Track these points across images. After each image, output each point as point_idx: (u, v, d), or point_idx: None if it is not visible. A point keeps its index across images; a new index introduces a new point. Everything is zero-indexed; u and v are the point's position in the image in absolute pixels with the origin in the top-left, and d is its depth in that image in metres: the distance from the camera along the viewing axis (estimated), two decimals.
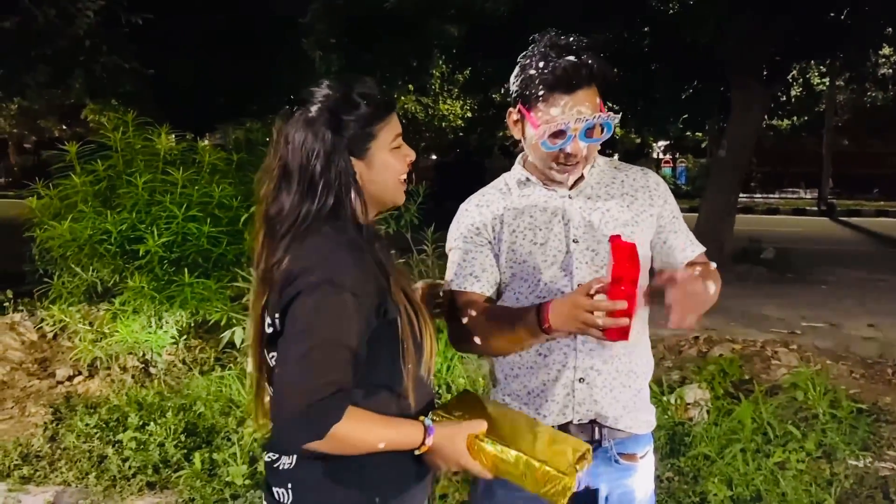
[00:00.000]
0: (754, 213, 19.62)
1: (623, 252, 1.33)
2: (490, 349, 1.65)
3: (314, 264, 1.29)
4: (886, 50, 15.57)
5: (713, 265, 1.62)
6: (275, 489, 1.40)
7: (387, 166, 1.41)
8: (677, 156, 28.18)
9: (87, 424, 3.73)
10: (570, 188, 1.64)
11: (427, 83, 16.78)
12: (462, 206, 1.73)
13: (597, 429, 1.62)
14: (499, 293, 1.69)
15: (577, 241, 1.60)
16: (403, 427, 1.35)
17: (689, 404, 3.99)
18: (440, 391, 4.12)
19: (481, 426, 1.37)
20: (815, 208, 20.10)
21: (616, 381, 1.61)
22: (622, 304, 1.32)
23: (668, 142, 26.59)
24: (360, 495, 1.37)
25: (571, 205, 1.63)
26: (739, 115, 9.51)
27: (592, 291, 1.35)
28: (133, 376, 4.61)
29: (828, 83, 19.89)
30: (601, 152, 1.75)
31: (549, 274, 1.61)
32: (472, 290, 1.64)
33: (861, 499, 3.19)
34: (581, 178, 1.65)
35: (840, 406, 3.90)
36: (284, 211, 1.36)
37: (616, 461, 1.64)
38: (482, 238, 1.67)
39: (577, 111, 1.50)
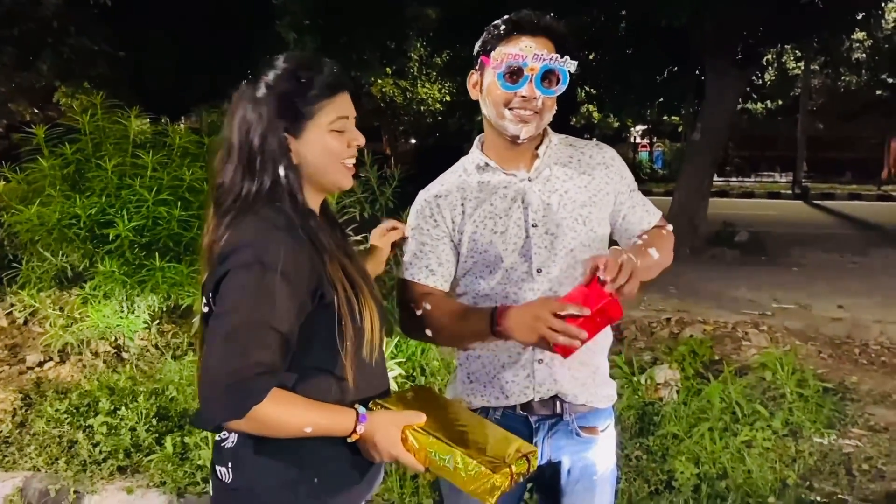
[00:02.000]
0: (729, 196, 19.85)
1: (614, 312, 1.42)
2: (440, 341, 1.71)
3: (246, 244, 1.28)
4: (860, 34, 15.77)
5: (667, 228, 1.70)
6: (217, 467, 1.40)
7: (323, 147, 1.39)
8: (654, 140, 28.36)
9: (57, 410, 3.70)
10: (529, 171, 1.65)
11: (404, 66, 16.66)
12: (420, 195, 1.72)
13: (558, 403, 1.65)
14: (457, 279, 1.70)
15: (535, 226, 1.62)
16: (333, 413, 1.33)
17: (659, 384, 4.04)
18: (414, 374, 4.13)
19: (419, 418, 1.35)
20: (790, 192, 20.34)
21: (573, 360, 1.61)
22: (584, 335, 1.40)
23: (646, 126, 26.76)
24: (299, 475, 1.36)
25: (531, 188, 1.64)
26: (714, 99, 9.57)
27: (564, 314, 1.40)
28: (105, 361, 4.58)
29: (802, 67, 20.11)
30: (577, 135, 1.76)
31: (509, 261, 1.62)
32: (426, 283, 1.66)
33: (824, 474, 3.27)
34: (536, 156, 1.66)
35: (807, 385, 3.98)
36: (226, 184, 1.37)
37: (577, 434, 1.67)
38: (440, 231, 1.67)
39: (536, 52, 1.53)
